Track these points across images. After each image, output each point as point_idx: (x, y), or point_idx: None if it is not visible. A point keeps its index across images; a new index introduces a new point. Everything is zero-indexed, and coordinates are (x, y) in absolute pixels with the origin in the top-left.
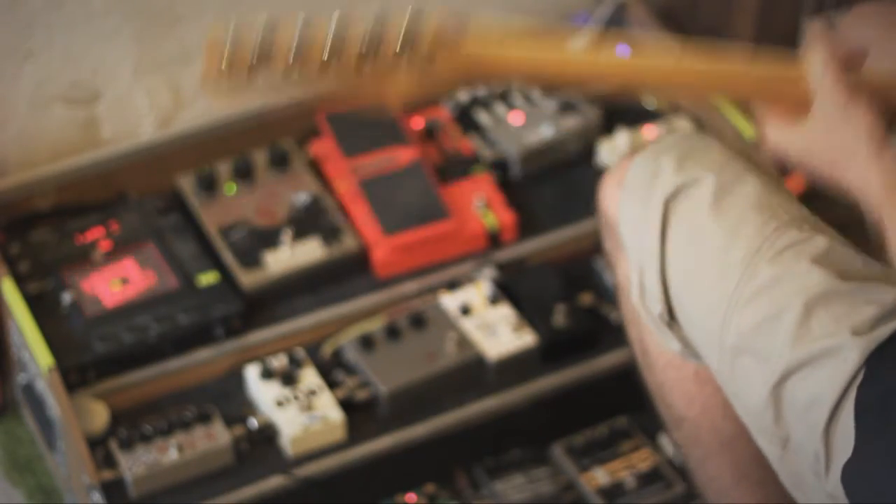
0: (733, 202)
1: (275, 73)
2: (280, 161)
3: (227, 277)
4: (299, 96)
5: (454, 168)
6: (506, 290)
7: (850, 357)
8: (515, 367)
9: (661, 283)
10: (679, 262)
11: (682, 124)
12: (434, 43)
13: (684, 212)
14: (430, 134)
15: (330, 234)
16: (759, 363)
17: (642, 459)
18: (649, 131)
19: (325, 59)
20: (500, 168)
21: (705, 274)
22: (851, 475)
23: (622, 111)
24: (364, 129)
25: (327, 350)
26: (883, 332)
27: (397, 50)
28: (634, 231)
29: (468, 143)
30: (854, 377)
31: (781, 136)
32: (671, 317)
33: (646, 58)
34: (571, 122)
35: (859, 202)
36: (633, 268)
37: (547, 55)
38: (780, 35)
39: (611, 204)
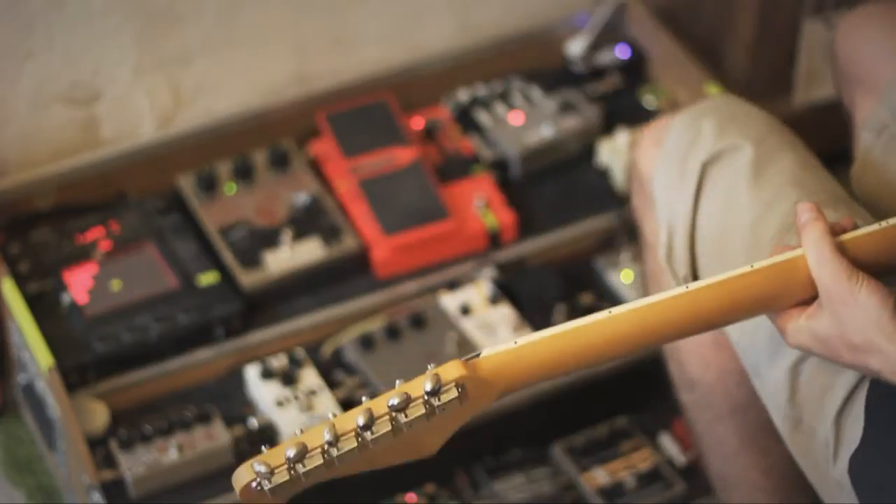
0: (771, 175)
1: (317, 474)
2: (280, 161)
3: (227, 277)
4: (300, 98)
5: (454, 168)
6: (506, 290)
7: None
8: None
9: (689, 246)
10: (710, 228)
11: None
12: (457, 390)
13: (721, 179)
14: (430, 134)
15: (330, 234)
16: (779, 340)
17: (642, 459)
18: None
19: (359, 444)
20: (500, 168)
21: (735, 243)
22: (857, 466)
23: (622, 111)
24: (364, 129)
25: (327, 350)
26: None
27: (424, 412)
28: (668, 191)
29: (468, 143)
30: None
31: (798, 329)
32: (695, 280)
33: (661, 308)
34: (571, 122)
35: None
36: (662, 227)
37: (563, 346)
38: (780, 35)
39: (646, 162)
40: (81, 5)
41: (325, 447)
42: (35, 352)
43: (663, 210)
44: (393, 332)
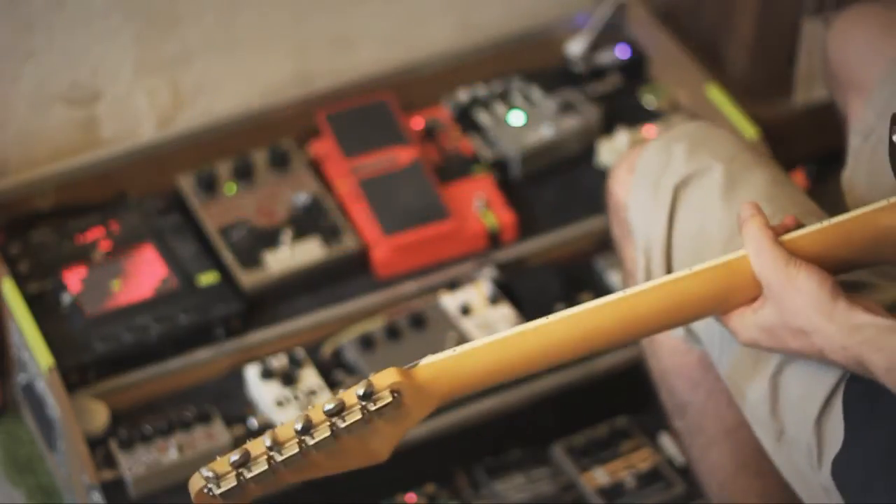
0: (742, 192)
1: (260, 470)
2: (280, 161)
3: (227, 277)
4: (300, 98)
5: (454, 168)
6: (506, 290)
7: None
8: None
9: (666, 267)
10: (685, 248)
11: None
12: (392, 396)
13: (693, 200)
14: (430, 134)
15: (330, 234)
16: (758, 353)
17: (642, 459)
18: (649, 131)
19: (302, 450)
20: (500, 168)
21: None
22: (841, 469)
23: (622, 111)
24: (364, 129)
25: (327, 350)
26: None
27: (360, 417)
28: (643, 216)
29: (468, 143)
30: (845, 372)
31: (745, 326)
32: None
33: (600, 314)
34: (571, 122)
35: (838, 365)
36: (639, 252)
37: (502, 354)
38: (780, 35)
39: (621, 189)
40: (81, 5)
41: (268, 453)
42: (35, 352)
43: (640, 236)
44: (393, 332)
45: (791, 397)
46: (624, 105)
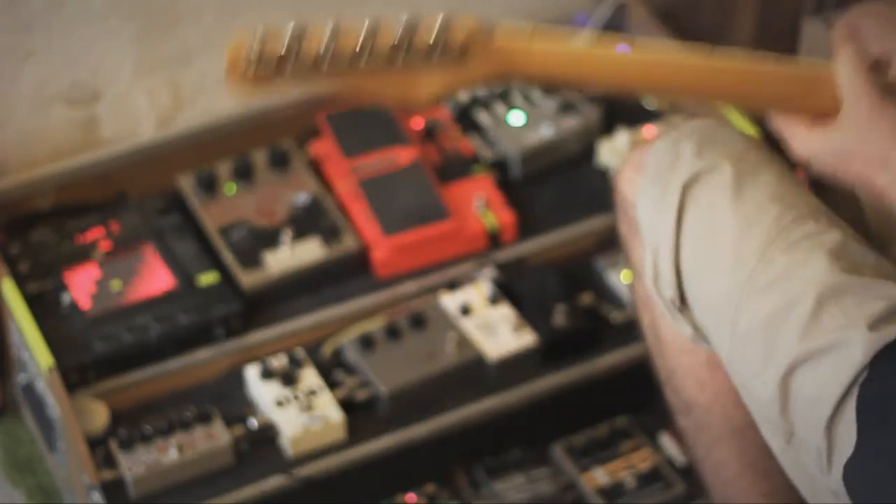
0: (751, 191)
1: (305, 63)
2: (280, 161)
3: (227, 277)
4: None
5: (454, 168)
6: (506, 290)
7: (855, 353)
8: (515, 367)
9: (675, 267)
10: (693, 248)
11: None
12: (466, 38)
13: (702, 198)
14: (430, 134)
15: (330, 234)
16: (768, 353)
17: (642, 459)
18: (649, 131)
19: (358, 49)
20: (500, 168)
21: (719, 261)
22: (853, 474)
23: (622, 111)
24: (364, 129)
25: (327, 350)
26: (890, 331)
27: (430, 42)
28: (651, 215)
29: (468, 143)
30: (858, 374)
31: (810, 142)
32: (682, 302)
33: (675, 55)
34: (571, 122)
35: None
36: (647, 251)
37: (577, 51)
38: (780, 35)
39: (629, 187)
40: (81, 6)
41: (321, 46)
42: (35, 352)
43: (648, 234)
44: (393, 332)
45: (802, 398)
46: (624, 105)
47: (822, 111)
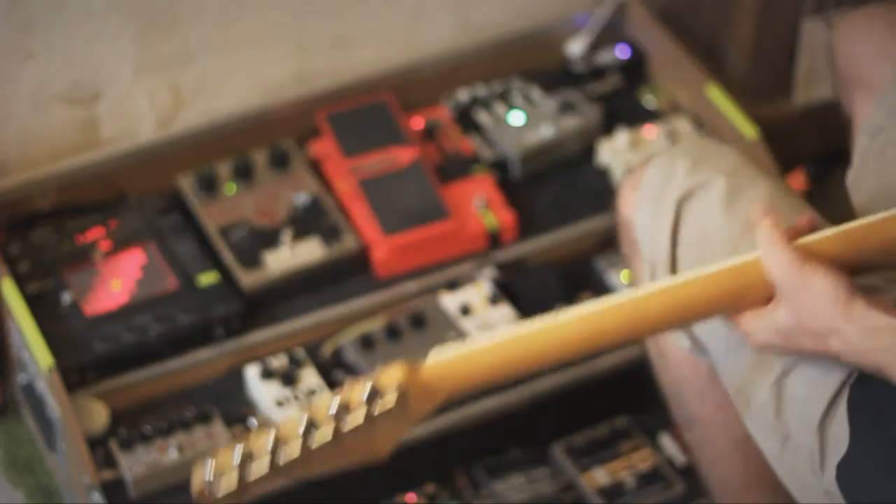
0: (744, 203)
1: (265, 478)
2: (280, 161)
3: (227, 277)
4: (300, 98)
5: (454, 168)
6: (506, 290)
7: None
8: None
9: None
10: (689, 260)
11: (682, 124)
12: (398, 392)
13: (696, 212)
14: (430, 134)
15: (330, 234)
16: (762, 358)
17: (642, 459)
18: (649, 131)
19: (301, 448)
20: (500, 168)
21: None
22: (846, 473)
23: (622, 111)
24: (364, 129)
25: (327, 350)
26: None
27: (366, 412)
28: (648, 231)
29: (468, 143)
30: (849, 375)
31: (758, 328)
32: None
33: (609, 313)
34: (571, 122)
35: (856, 366)
36: (645, 266)
37: (509, 352)
38: (780, 35)
39: (627, 207)
40: (81, 6)
41: (270, 455)
42: (35, 352)
43: (646, 250)
44: (393, 332)
45: (795, 400)
46: (624, 105)
47: (764, 297)
